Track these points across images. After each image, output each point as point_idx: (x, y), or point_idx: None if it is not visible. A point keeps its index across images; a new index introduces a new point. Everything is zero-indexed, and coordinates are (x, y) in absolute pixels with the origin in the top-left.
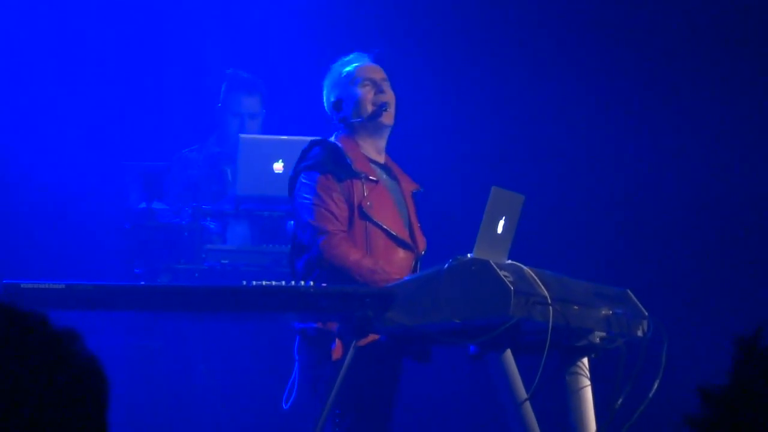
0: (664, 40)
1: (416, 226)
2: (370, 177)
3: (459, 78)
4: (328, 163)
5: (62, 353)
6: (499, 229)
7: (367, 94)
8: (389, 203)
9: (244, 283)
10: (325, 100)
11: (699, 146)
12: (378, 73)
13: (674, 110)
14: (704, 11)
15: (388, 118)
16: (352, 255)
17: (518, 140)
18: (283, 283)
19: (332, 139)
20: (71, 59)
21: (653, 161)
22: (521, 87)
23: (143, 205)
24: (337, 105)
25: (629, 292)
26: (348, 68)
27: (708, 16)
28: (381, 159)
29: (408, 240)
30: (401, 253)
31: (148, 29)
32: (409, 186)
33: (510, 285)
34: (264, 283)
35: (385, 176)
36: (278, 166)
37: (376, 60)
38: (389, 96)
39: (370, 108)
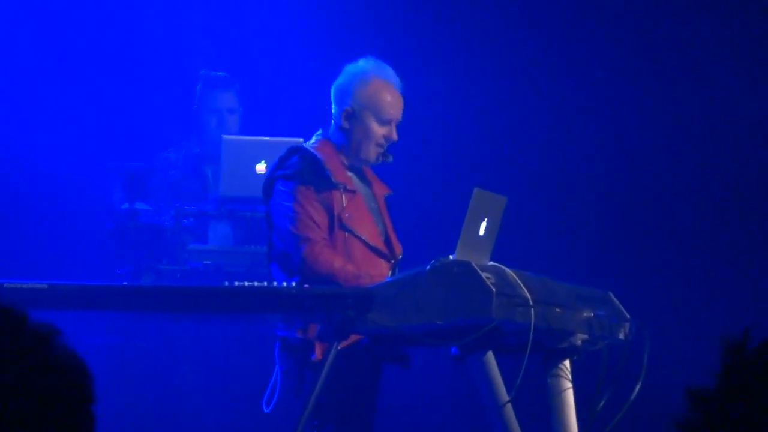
0: (653, 40)
1: (391, 231)
2: (349, 187)
3: (441, 78)
4: (308, 174)
5: (42, 350)
6: (482, 231)
7: (378, 134)
8: (366, 213)
9: (227, 283)
10: (336, 92)
11: (680, 147)
12: (398, 112)
13: (657, 110)
14: (701, 10)
15: (382, 159)
16: (336, 261)
17: (501, 141)
18: (266, 283)
19: (311, 142)
20: (53, 60)
21: (633, 162)
22: (503, 88)
23: (126, 205)
24: (347, 115)
25: (611, 294)
26: (378, 87)
27: (704, 16)
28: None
29: (384, 249)
30: (379, 263)
31: (131, 29)
32: (381, 190)
33: (492, 286)
34: (246, 283)
35: (359, 183)
36: (261, 167)
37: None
38: (395, 139)
39: (373, 153)
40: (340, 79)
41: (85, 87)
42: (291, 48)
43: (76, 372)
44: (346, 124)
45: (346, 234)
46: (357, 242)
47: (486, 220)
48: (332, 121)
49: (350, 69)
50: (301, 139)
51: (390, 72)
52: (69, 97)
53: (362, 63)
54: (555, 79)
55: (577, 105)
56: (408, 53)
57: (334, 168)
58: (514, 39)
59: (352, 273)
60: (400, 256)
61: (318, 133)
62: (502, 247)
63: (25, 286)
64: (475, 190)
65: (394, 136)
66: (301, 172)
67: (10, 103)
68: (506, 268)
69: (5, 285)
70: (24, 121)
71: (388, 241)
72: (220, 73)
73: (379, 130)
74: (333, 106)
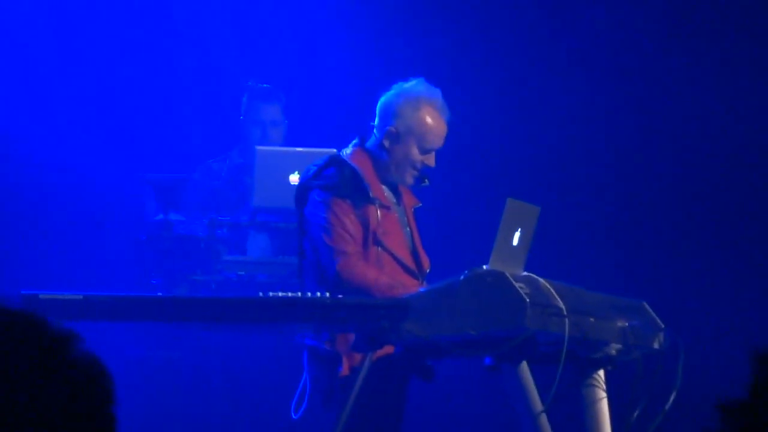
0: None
1: (419, 245)
2: (384, 203)
3: (476, 87)
4: (346, 187)
5: (61, 353)
6: (515, 241)
7: (417, 161)
8: (398, 229)
9: (261, 294)
10: (383, 107)
11: (720, 158)
12: (443, 141)
13: (689, 117)
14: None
15: (413, 182)
16: (370, 273)
17: (535, 151)
18: (300, 294)
19: (348, 152)
20: (92, 71)
21: (669, 172)
22: (538, 98)
23: (160, 216)
24: (390, 134)
25: (645, 304)
26: (427, 114)
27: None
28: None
29: (413, 267)
30: (408, 280)
31: (178, 40)
32: (410, 201)
33: (526, 297)
34: (281, 294)
35: (391, 196)
36: (294, 178)
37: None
38: (432, 166)
39: (410, 178)
40: (388, 96)
41: (124, 98)
42: (336, 60)
43: (96, 374)
44: (387, 143)
45: (379, 249)
46: (389, 258)
47: (519, 230)
48: (374, 133)
49: (401, 89)
50: (334, 150)
51: (440, 99)
52: (109, 109)
53: (414, 85)
54: (591, 89)
55: (612, 114)
56: (445, 64)
57: (371, 181)
58: (554, 42)
59: (387, 284)
60: (428, 271)
61: (354, 141)
62: (535, 257)
63: (60, 297)
64: (508, 200)
65: (432, 164)
66: (339, 184)
67: (47, 115)
68: (540, 278)
69: (41, 296)
70: (60, 133)
71: (416, 256)
72: (266, 85)
73: (418, 157)
74: (377, 119)
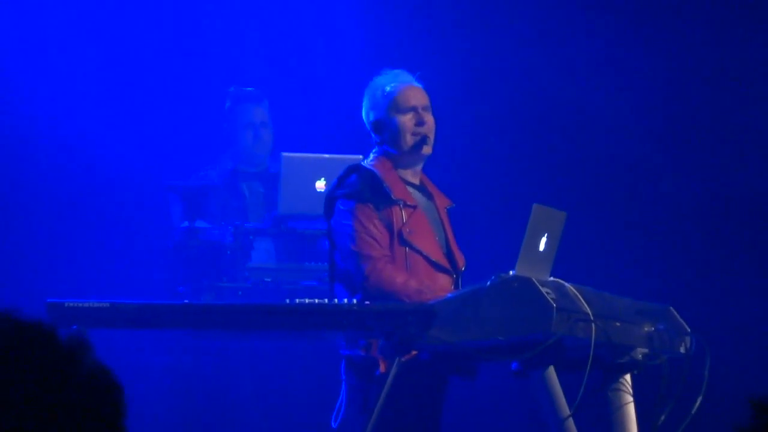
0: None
1: (453, 244)
2: (408, 203)
3: (502, 91)
4: (367, 192)
5: (71, 364)
6: (541, 247)
7: (407, 123)
8: (427, 228)
9: (288, 301)
10: (364, 115)
11: (745, 160)
12: (420, 99)
13: (719, 119)
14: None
15: (427, 149)
16: (399, 278)
17: (562, 156)
18: (326, 301)
19: (369, 160)
20: (117, 77)
21: (694, 177)
22: (568, 103)
23: (186, 224)
24: (377, 127)
25: (671, 308)
26: (389, 88)
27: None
28: (416, 180)
29: (446, 264)
30: (441, 278)
31: (194, 49)
32: (443, 202)
33: (552, 302)
34: (307, 301)
35: (421, 197)
36: (320, 185)
37: (419, 80)
38: (429, 126)
39: (410, 140)
40: (363, 106)
41: (149, 106)
42: (320, 64)
43: (106, 388)
44: (381, 135)
45: (407, 249)
46: (418, 257)
47: (546, 235)
48: (373, 141)
49: (366, 92)
50: (360, 157)
51: (397, 72)
52: (133, 117)
53: (374, 79)
54: (621, 93)
55: (637, 119)
56: (472, 66)
57: (393, 183)
58: (582, 44)
59: (415, 288)
60: (463, 268)
61: (374, 150)
62: (562, 262)
63: (87, 305)
64: (535, 206)
65: (427, 119)
66: (360, 190)
67: (73, 124)
68: (566, 283)
69: (67, 304)
70: (86, 141)
71: (450, 254)
72: (250, 88)
73: (406, 120)
74: (368, 128)
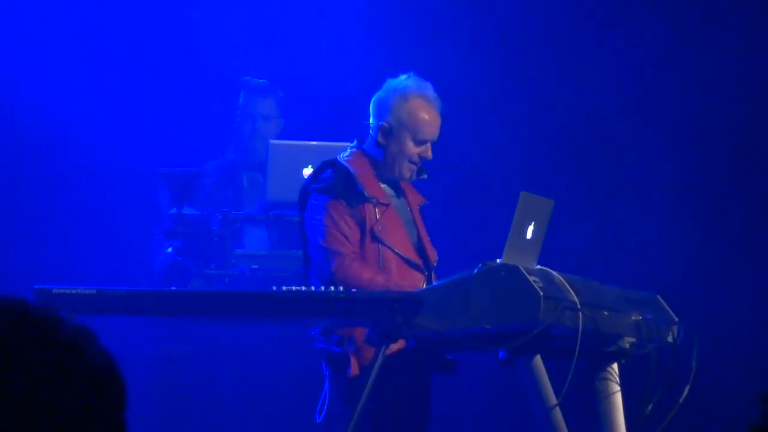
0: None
1: (426, 240)
2: (381, 200)
3: (488, 79)
4: (340, 188)
5: (76, 353)
6: (529, 234)
7: (413, 154)
8: (399, 225)
9: (275, 288)
10: (375, 109)
11: (731, 149)
12: (436, 133)
13: (710, 109)
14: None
15: (411, 177)
16: (366, 274)
17: (549, 144)
18: (313, 288)
19: (346, 154)
20: (105, 66)
21: (682, 165)
22: (551, 92)
23: (174, 210)
24: (384, 131)
25: (659, 297)
26: (417, 106)
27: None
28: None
29: (417, 260)
30: (412, 274)
31: (181, 37)
32: (416, 199)
33: (539, 290)
34: (294, 288)
35: (393, 195)
36: (308, 172)
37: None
38: (429, 158)
39: (405, 171)
40: (380, 94)
41: (139, 91)
42: (336, 55)
43: (108, 379)
44: (382, 140)
45: (380, 246)
46: (390, 253)
47: (533, 223)
48: (369, 133)
49: (391, 84)
50: (349, 143)
51: (430, 91)
52: (121, 103)
53: (403, 80)
54: (606, 83)
55: (623, 108)
56: (448, 58)
57: (367, 181)
58: (558, 42)
59: (382, 284)
60: (435, 264)
61: (352, 144)
62: (549, 250)
63: (74, 291)
64: (522, 193)
65: (429, 155)
66: (333, 185)
67: (62, 110)
68: (553, 272)
69: (55, 291)
70: (75, 127)
71: (422, 251)
72: (262, 80)
73: (414, 149)
74: (371, 119)
